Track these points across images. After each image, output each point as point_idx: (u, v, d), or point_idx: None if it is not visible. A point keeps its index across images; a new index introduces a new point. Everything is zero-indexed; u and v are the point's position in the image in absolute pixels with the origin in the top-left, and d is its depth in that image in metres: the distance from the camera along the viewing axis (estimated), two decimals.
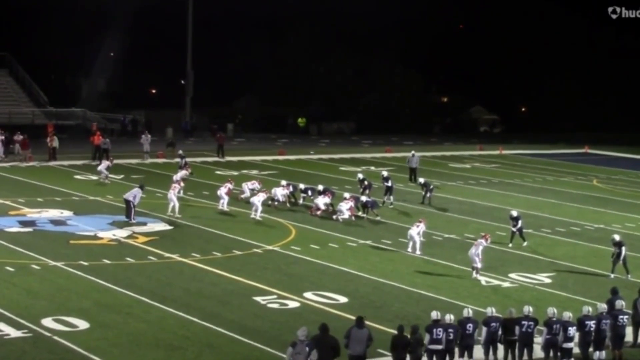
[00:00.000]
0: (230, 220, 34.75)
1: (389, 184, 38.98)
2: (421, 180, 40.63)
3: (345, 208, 34.98)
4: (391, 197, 38.87)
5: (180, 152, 47.00)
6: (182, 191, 37.32)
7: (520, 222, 31.51)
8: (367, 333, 18.33)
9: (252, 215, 34.91)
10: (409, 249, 29.75)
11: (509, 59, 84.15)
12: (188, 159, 49.22)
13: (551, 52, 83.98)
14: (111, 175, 44.76)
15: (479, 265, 26.73)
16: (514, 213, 31.91)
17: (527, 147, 65.84)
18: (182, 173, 41.66)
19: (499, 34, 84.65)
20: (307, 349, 17.01)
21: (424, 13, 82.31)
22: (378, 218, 35.36)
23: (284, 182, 38.52)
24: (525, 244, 31.36)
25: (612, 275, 27.22)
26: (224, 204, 36.37)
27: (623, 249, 27.31)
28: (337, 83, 79.89)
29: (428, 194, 39.38)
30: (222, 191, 36.59)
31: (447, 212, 37.86)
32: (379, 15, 79.72)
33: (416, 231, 29.82)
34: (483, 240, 27.15)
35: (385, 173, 40.55)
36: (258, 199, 35.26)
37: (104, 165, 43.27)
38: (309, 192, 38.09)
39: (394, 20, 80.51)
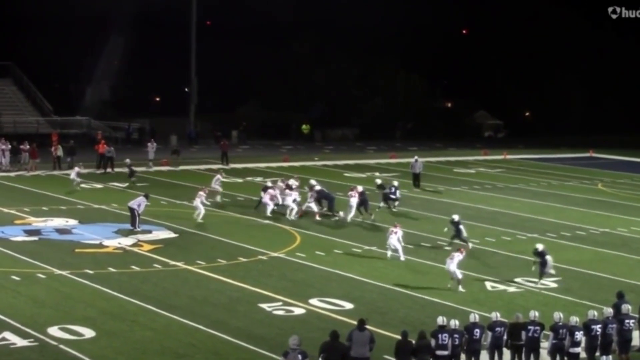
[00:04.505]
0: (234, 227, 34.75)
1: (396, 195, 38.51)
2: (378, 181, 40.10)
3: (290, 201, 35.82)
4: (396, 203, 38.73)
5: (128, 160, 45.78)
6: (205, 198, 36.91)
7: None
8: (369, 335, 18.38)
9: (288, 216, 35.60)
10: (389, 256, 29.44)
11: (513, 64, 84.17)
12: (193, 167, 49.43)
13: (554, 56, 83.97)
14: (116, 184, 44.88)
15: (459, 276, 25.98)
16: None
17: (532, 151, 65.81)
18: (217, 179, 40.58)
19: (503, 38, 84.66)
20: (299, 356, 16.96)
21: (427, 18, 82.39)
22: (372, 218, 35.72)
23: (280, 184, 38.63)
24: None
25: (539, 282, 26.61)
26: (268, 209, 36.20)
27: (547, 257, 26.57)
28: (341, 89, 79.94)
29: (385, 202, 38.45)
30: (266, 198, 36.41)
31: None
32: (383, 20, 79.79)
33: (395, 238, 29.49)
34: (458, 254, 26.28)
35: (396, 182, 40.05)
36: (292, 199, 35.79)
37: (74, 172, 42.68)
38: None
39: (398, 25, 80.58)
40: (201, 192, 36.45)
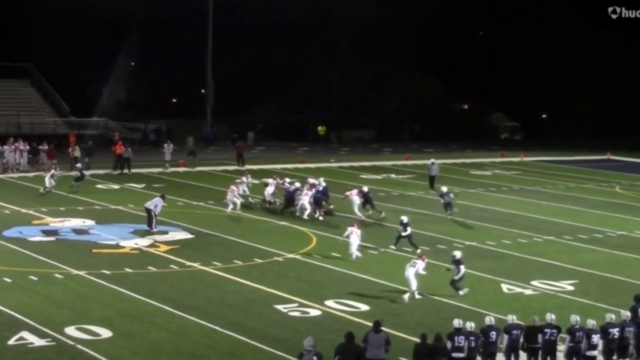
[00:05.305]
0: (250, 229, 34.81)
1: (447, 199, 37.51)
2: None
3: (306, 201, 36.14)
4: (449, 212, 37.40)
5: (79, 165, 44.69)
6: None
7: (409, 229, 30.26)
8: (385, 337, 18.43)
9: (299, 214, 36.26)
10: (354, 257, 29.30)
11: (530, 66, 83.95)
12: (209, 168, 49.38)
13: (572, 58, 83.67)
14: (133, 184, 45.02)
15: (413, 287, 24.96)
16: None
17: (548, 153, 65.63)
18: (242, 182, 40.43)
19: (519, 41, 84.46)
20: (315, 358, 16.96)
21: (443, 20, 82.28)
22: (382, 214, 35.98)
23: (270, 180, 39.35)
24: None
25: (462, 292, 25.55)
26: (306, 212, 36.46)
27: (461, 267, 25.66)
28: (357, 90, 79.90)
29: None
30: (305, 200, 36.52)
31: (468, 219, 37.69)
32: (399, 22, 79.75)
33: (356, 237, 29.29)
34: (420, 261, 25.46)
35: (444, 188, 38.70)
36: (306, 199, 36.22)
37: (49, 174, 41.79)
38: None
39: (414, 27, 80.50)
40: (233, 187, 37.69)
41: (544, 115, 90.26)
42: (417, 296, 24.96)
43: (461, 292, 25.47)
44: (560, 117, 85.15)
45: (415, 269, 25.05)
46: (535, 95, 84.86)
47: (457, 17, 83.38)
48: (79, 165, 44.04)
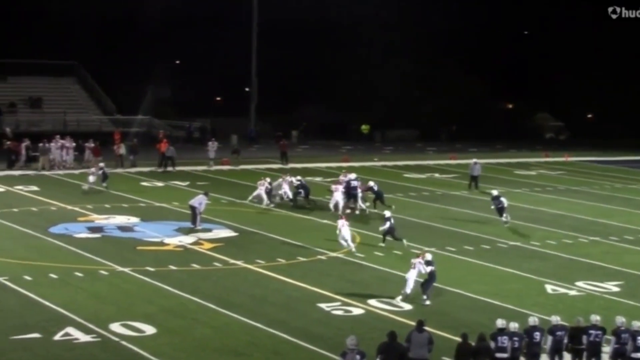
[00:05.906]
0: (294, 227, 34.88)
1: (499, 204, 36.15)
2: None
3: (339, 196, 36.98)
4: (505, 216, 36.06)
5: (102, 164, 44.08)
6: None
7: (387, 224, 30.80)
8: (428, 336, 18.42)
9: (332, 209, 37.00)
10: (353, 249, 29.91)
11: (575, 65, 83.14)
12: (253, 166, 49.38)
13: (617, 58, 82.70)
14: (177, 182, 45.31)
15: (408, 290, 24.47)
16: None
17: (594, 154, 64.97)
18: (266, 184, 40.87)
19: (564, 40, 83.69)
20: (358, 357, 16.94)
21: (488, 19, 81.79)
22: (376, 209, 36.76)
23: (290, 178, 39.92)
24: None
25: (426, 299, 24.73)
26: (337, 206, 37.24)
27: (433, 268, 24.83)
28: (401, 90, 79.71)
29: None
30: (339, 196, 37.23)
31: (513, 219, 37.40)
32: (443, 21, 79.42)
33: (347, 230, 29.99)
34: (420, 260, 24.91)
35: (495, 192, 37.51)
36: (338, 194, 37.17)
37: (92, 176, 41.74)
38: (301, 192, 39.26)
39: (458, 27, 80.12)
40: (262, 181, 39.11)
41: (589, 115, 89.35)
42: (399, 300, 24.40)
43: (425, 299, 24.65)
44: (606, 117, 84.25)
45: (417, 271, 24.67)
46: (581, 94, 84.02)
47: (501, 16, 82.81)
48: (102, 164, 44.24)
